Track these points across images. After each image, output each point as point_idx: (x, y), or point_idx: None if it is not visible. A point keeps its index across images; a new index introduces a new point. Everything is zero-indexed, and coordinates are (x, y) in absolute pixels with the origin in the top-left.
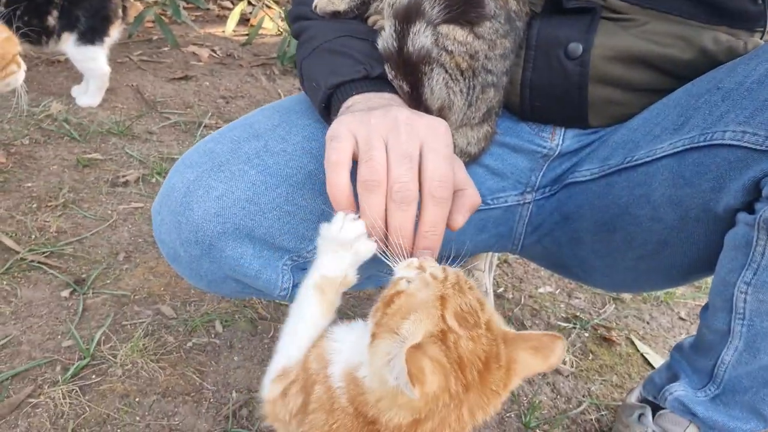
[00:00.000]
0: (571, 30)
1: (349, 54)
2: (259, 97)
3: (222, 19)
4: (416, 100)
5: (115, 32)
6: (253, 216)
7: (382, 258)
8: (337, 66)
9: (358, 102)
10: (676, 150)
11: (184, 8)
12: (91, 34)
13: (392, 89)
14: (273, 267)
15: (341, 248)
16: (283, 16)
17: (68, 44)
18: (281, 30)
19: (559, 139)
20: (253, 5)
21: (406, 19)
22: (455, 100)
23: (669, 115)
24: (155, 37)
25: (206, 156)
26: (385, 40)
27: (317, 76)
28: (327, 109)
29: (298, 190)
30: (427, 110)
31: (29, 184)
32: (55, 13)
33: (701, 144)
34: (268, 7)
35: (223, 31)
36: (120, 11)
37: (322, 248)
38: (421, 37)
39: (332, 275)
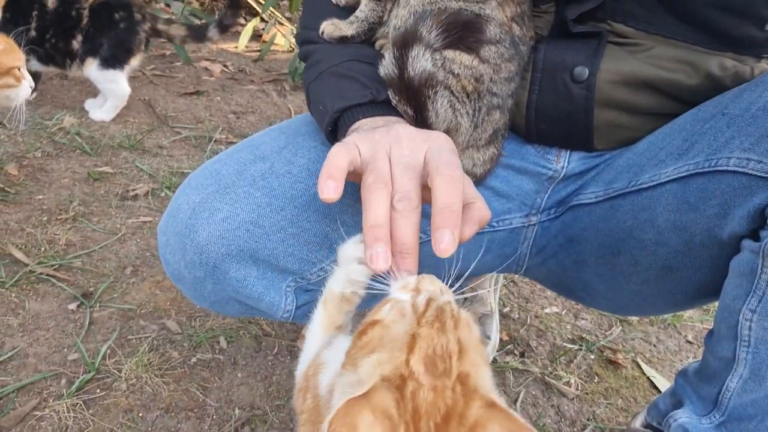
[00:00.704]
0: (578, 54)
1: (355, 78)
2: (269, 113)
3: (234, 36)
4: (422, 124)
5: (136, 62)
6: (258, 238)
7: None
8: (344, 90)
9: (364, 125)
10: (680, 175)
11: (198, 25)
12: (113, 60)
13: (398, 113)
14: (276, 289)
15: (341, 266)
16: (295, 32)
17: (91, 69)
18: (293, 46)
19: (564, 162)
20: (266, 22)
21: (403, 44)
22: (462, 122)
23: (674, 139)
24: (168, 53)
25: (212, 178)
26: (386, 66)
27: (324, 100)
28: (333, 133)
29: (302, 212)
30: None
31: (40, 197)
32: (79, 37)
33: (706, 170)
34: (281, 24)
35: (236, 47)
36: (143, 45)
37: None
38: (421, 61)
39: (333, 289)
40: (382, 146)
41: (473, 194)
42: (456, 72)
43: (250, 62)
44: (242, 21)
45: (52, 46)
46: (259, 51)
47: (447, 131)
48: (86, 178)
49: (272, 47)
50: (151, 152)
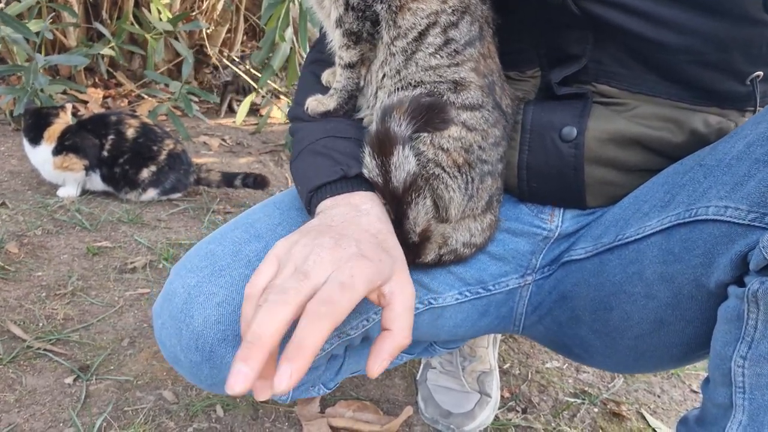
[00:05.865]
0: (564, 114)
1: (329, 155)
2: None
3: (232, 110)
4: (397, 227)
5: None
6: None
7: None
8: (318, 168)
9: (325, 209)
10: (663, 227)
11: (195, 102)
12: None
13: (370, 186)
14: None
15: None
16: (290, 104)
17: (151, 196)
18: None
19: (558, 221)
20: (263, 96)
21: (381, 151)
22: (454, 197)
23: (657, 192)
24: (168, 129)
25: (207, 259)
26: (370, 171)
27: (300, 179)
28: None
29: None
30: (405, 236)
31: (39, 273)
32: (153, 167)
33: (687, 220)
34: (277, 98)
35: (234, 122)
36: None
37: None
38: (405, 167)
39: None
40: (294, 261)
41: (395, 317)
42: (445, 147)
43: (248, 135)
44: (240, 96)
45: (122, 171)
46: (256, 124)
47: (423, 232)
48: (85, 254)
49: (269, 120)
50: (149, 225)
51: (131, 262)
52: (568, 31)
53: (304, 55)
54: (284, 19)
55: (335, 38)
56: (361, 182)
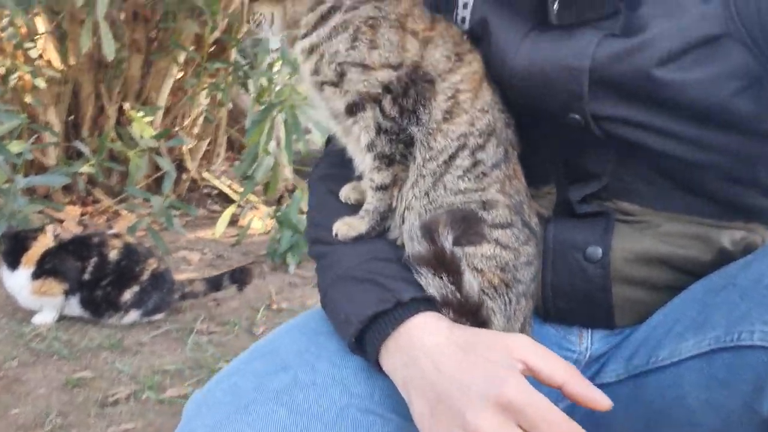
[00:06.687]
0: (587, 234)
1: (374, 280)
2: (250, 296)
3: (211, 221)
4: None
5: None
6: None
7: None
8: (365, 296)
9: (396, 369)
10: (701, 351)
11: (176, 216)
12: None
13: (427, 305)
14: None
15: None
16: (270, 214)
17: (133, 318)
18: (270, 228)
19: (587, 342)
20: (242, 207)
21: (446, 270)
22: (494, 320)
23: (688, 311)
24: (147, 245)
25: (230, 394)
26: (440, 288)
27: (345, 309)
28: (359, 343)
29: (329, 429)
30: None
31: (15, 411)
32: (135, 288)
33: (729, 345)
34: (256, 208)
35: (213, 234)
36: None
37: None
38: (473, 283)
39: None
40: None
41: (548, 377)
42: (480, 267)
43: (228, 247)
44: (218, 208)
45: (104, 294)
46: (236, 236)
47: None
48: (64, 385)
49: (249, 231)
50: (131, 351)
51: (113, 394)
52: (589, 149)
53: (288, 168)
54: (268, 133)
55: (366, 162)
56: (417, 305)
